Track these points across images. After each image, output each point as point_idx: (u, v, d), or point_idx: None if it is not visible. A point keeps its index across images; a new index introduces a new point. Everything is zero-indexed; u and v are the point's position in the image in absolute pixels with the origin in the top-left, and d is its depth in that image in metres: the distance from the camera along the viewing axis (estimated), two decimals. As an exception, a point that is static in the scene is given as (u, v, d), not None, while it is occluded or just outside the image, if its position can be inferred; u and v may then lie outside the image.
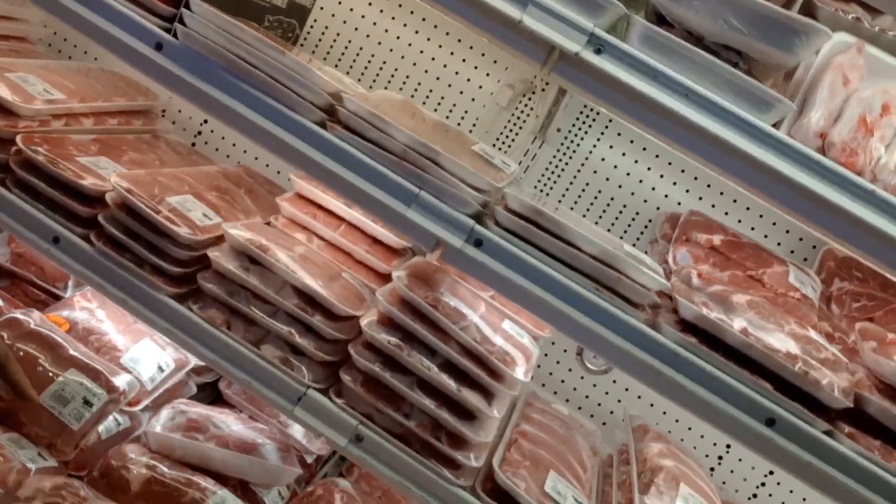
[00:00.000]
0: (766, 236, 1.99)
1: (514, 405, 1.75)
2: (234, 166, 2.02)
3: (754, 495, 2.06)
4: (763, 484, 2.05)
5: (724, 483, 2.06)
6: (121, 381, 1.56)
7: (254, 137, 1.42)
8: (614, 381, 2.10)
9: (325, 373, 1.48)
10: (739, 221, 2.00)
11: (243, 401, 1.91)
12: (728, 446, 2.05)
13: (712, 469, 2.07)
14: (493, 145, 2.13)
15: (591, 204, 2.08)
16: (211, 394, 2.06)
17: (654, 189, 2.04)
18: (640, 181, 2.04)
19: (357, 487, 1.96)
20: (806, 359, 1.26)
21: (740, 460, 2.05)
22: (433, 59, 2.12)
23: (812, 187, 1.22)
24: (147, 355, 1.70)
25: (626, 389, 2.09)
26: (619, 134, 2.04)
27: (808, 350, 1.28)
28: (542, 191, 2.11)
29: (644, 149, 2.02)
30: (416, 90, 2.14)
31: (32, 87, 1.64)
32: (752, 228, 1.99)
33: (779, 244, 1.99)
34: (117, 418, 1.64)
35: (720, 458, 2.07)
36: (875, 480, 1.25)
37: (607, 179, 2.06)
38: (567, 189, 2.09)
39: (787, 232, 1.97)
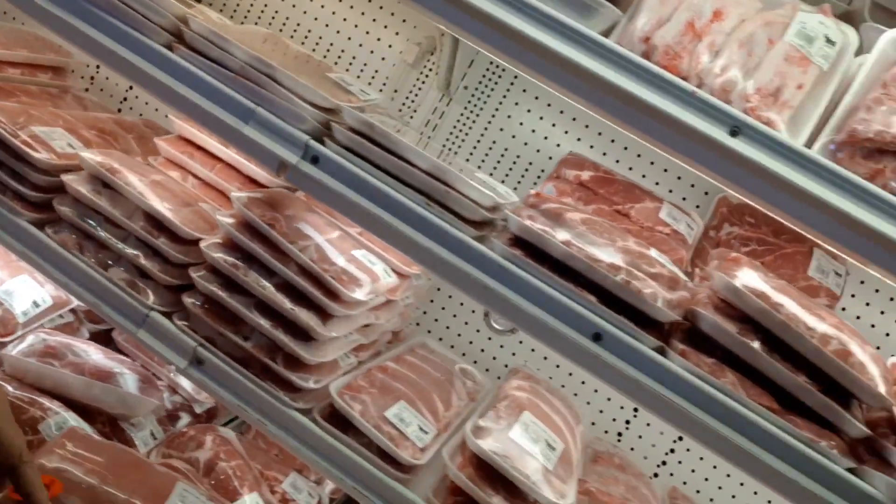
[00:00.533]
0: (670, 191, 1.94)
1: (397, 348, 1.72)
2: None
3: (663, 462, 1.97)
4: (672, 451, 1.97)
5: (632, 449, 1.98)
6: (-21, 306, 1.58)
7: (103, 60, 1.44)
8: (521, 342, 2.04)
9: (174, 297, 1.47)
10: (644, 176, 1.95)
11: (135, 350, 1.90)
12: (635, 410, 1.98)
13: (619, 434, 1.99)
14: (404, 104, 2.12)
15: (499, 161, 2.05)
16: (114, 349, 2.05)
17: (559, 146, 2.00)
18: (546, 137, 2.01)
19: (252, 442, 1.93)
20: (631, 270, 1.21)
21: (648, 425, 1.97)
22: (344, 19, 2.14)
23: (631, 90, 1.18)
24: (23, 290, 1.71)
25: (532, 350, 2.03)
26: (524, 90, 2.02)
27: (636, 264, 1.23)
28: (450, 149, 2.09)
29: (549, 104, 2.00)
30: (328, 51, 2.15)
31: (-81, 28, 1.68)
32: (657, 183, 1.94)
33: (684, 199, 1.93)
34: (-17, 348, 1.65)
35: (627, 422, 1.99)
36: (702, 397, 1.19)
37: (514, 136, 2.03)
38: (475, 147, 2.07)
39: (693, 186, 1.92)
